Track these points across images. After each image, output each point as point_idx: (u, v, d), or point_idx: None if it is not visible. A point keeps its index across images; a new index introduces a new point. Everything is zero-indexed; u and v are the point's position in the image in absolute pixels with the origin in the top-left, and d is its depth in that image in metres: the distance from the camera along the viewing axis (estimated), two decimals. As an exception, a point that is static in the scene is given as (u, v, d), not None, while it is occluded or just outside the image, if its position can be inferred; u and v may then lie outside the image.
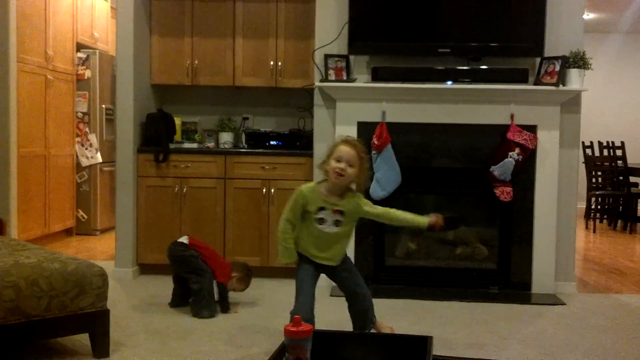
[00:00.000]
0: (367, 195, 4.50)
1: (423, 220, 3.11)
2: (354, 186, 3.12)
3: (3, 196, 5.35)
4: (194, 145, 5.07)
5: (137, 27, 4.80)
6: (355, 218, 3.15)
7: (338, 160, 2.99)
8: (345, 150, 3.00)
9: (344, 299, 4.22)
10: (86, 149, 6.59)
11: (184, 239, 4.00)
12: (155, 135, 4.86)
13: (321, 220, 3.06)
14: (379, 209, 3.17)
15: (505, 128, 4.47)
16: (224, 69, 5.05)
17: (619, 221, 8.33)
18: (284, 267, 4.79)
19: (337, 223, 3.07)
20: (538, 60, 4.52)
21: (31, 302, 2.84)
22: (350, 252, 4.52)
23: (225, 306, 3.93)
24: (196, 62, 5.05)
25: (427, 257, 4.86)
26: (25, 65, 5.56)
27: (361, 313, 3.24)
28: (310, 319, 2.97)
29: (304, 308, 3.02)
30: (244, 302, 4.14)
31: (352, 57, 4.61)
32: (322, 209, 3.05)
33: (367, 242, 4.60)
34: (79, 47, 6.55)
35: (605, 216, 8.51)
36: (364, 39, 4.53)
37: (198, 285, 3.84)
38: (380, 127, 4.47)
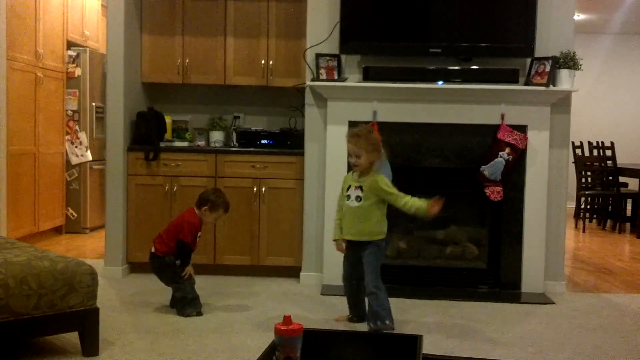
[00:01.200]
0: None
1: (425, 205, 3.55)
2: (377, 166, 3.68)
3: (-8, 194, 5.33)
4: (185, 144, 5.06)
5: (128, 25, 4.78)
6: (374, 195, 3.59)
7: (349, 156, 3.62)
8: (349, 147, 3.60)
9: (334, 297, 4.25)
10: (76, 147, 6.56)
11: (152, 249, 3.95)
12: (146, 134, 4.84)
13: (348, 197, 3.64)
14: (392, 190, 3.60)
15: (495, 128, 4.48)
16: (215, 67, 5.04)
17: (609, 221, 8.38)
18: (274, 266, 4.81)
19: (357, 198, 3.60)
20: (528, 60, 4.54)
21: (20, 300, 2.82)
22: (341, 251, 4.53)
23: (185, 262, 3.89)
24: (187, 60, 5.03)
25: (417, 256, 4.87)
26: (15, 63, 5.53)
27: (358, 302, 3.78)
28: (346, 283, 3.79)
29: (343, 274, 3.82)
30: (235, 300, 4.13)
31: (343, 57, 4.61)
32: (349, 187, 3.65)
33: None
34: (69, 44, 6.52)
35: (594, 216, 8.55)
36: (355, 39, 4.53)
37: (180, 293, 3.85)
38: (371, 126, 4.47)
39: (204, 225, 3.99)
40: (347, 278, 3.78)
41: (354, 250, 3.69)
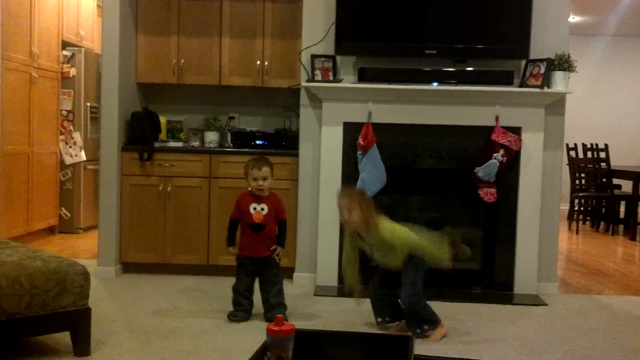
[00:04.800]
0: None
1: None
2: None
3: (-15, 194, 5.31)
4: (179, 144, 5.05)
5: (123, 25, 4.78)
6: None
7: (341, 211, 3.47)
8: (341, 202, 3.46)
9: (327, 298, 4.25)
10: (70, 147, 6.54)
11: None
12: (140, 134, 4.84)
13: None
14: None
15: (490, 129, 4.49)
16: (210, 67, 5.04)
17: (602, 223, 8.40)
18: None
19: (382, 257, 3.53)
20: (523, 62, 4.55)
21: (12, 300, 2.81)
22: (335, 252, 4.55)
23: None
24: (182, 60, 5.03)
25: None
26: (10, 63, 5.52)
27: None
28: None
29: None
30: (228, 301, 4.12)
31: (338, 58, 4.61)
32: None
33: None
34: (65, 44, 6.51)
35: (588, 218, 8.57)
36: (350, 40, 4.53)
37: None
38: (366, 127, 4.48)
39: (260, 191, 3.75)
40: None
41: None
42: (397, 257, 3.45)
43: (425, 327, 3.51)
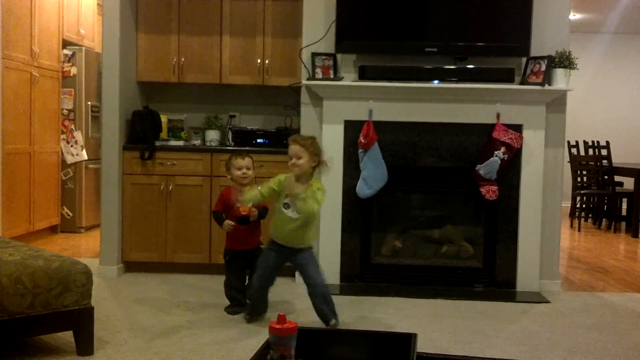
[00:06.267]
0: (354, 193, 4.52)
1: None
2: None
3: (-13, 193, 5.31)
4: (180, 143, 5.05)
5: (124, 24, 4.77)
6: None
7: (290, 158, 3.53)
8: (291, 148, 3.54)
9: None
10: (71, 146, 6.54)
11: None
12: (141, 133, 4.83)
13: (286, 205, 3.54)
14: (321, 198, 3.50)
15: (491, 127, 4.49)
16: (210, 66, 5.04)
17: (604, 220, 8.39)
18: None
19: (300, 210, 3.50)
20: (524, 60, 4.54)
21: (14, 299, 2.82)
22: (337, 250, 4.54)
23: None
24: (183, 59, 5.03)
25: (413, 255, 4.88)
26: (11, 62, 5.52)
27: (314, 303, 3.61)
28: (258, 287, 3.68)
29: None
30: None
31: (339, 56, 4.61)
32: (287, 195, 3.54)
33: (354, 241, 4.60)
34: (65, 43, 6.51)
35: (590, 215, 8.57)
36: (351, 38, 4.53)
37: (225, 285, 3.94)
38: (367, 125, 4.48)
39: (242, 185, 3.81)
40: (263, 283, 3.67)
41: (282, 255, 3.63)
42: (312, 218, 3.55)
43: (333, 320, 3.57)
